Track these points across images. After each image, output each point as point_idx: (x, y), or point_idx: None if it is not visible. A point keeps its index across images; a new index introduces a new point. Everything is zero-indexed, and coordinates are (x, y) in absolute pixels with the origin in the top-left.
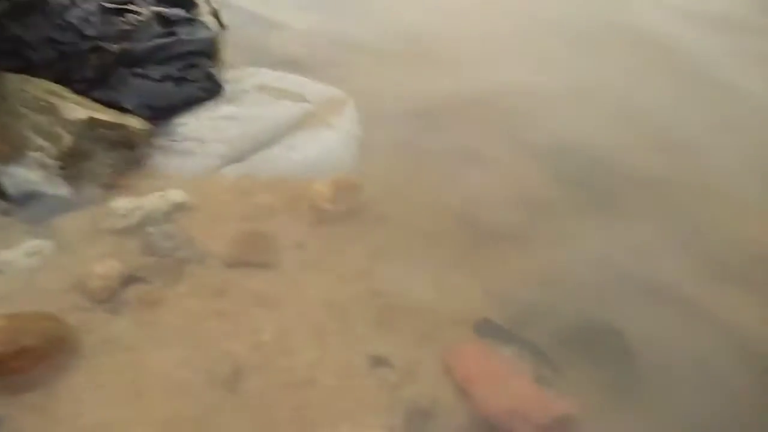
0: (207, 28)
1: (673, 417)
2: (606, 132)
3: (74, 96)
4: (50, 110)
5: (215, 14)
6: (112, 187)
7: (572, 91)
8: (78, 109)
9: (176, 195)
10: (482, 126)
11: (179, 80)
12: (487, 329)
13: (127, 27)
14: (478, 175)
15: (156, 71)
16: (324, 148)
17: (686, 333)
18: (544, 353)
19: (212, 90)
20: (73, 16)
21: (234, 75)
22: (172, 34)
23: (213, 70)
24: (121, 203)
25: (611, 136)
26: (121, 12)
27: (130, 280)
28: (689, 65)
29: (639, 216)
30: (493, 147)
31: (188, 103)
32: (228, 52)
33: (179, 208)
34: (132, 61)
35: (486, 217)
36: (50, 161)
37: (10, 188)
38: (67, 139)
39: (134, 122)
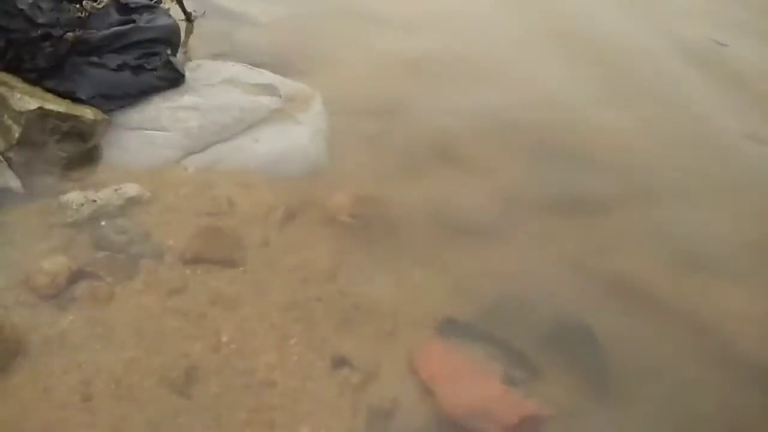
0: (168, 15)
1: (645, 417)
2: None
3: (25, 86)
4: None
5: (179, 2)
6: (64, 179)
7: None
8: (28, 99)
9: (131, 187)
10: (451, 118)
11: (137, 69)
12: (450, 329)
13: (83, 14)
14: (448, 171)
15: (113, 60)
16: (290, 142)
17: (658, 330)
18: (515, 352)
19: (172, 79)
20: (23, 2)
21: (198, 65)
22: (131, 21)
23: (173, 59)
24: (73, 196)
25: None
26: None
27: (79, 275)
28: None
29: (610, 210)
30: (464, 141)
31: (146, 93)
32: (193, 42)
33: (135, 201)
34: (87, 49)
35: (456, 213)
36: None
37: None
38: (17, 131)
39: (89, 112)
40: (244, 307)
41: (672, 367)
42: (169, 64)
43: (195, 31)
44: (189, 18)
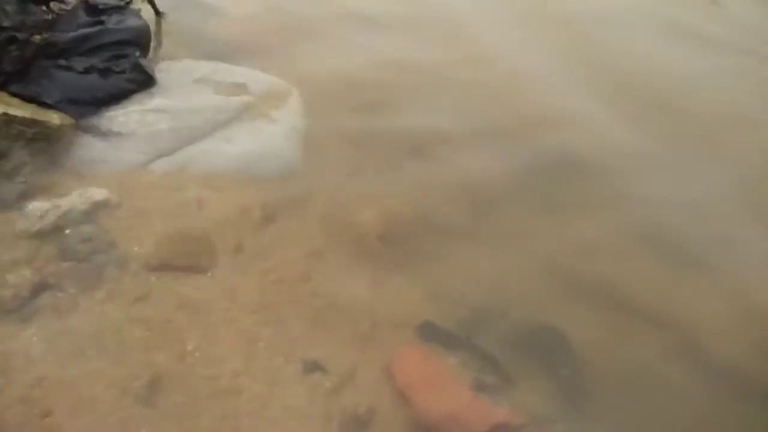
0: (138, 16)
1: (619, 424)
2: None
3: None
4: None
5: (150, 1)
6: (29, 186)
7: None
8: None
9: (97, 193)
10: (431, 115)
11: (105, 72)
12: (429, 333)
13: (50, 16)
14: (427, 170)
15: (80, 62)
16: (264, 142)
17: (632, 332)
18: (488, 358)
19: (142, 81)
20: None
21: (169, 65)
22: (100, 23)
23: (143, 61)
24: (38, 204)
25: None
26: (43, 0)
27: (42, 287)
28: None
29: (589, 211)
30: (442, 138)
31: (115, 96)
32: (165, 40)
33: (101, 207)
34: (55, 52)
35: (433, 215)
36: None
37: None
38: None
39: (55, 117)
40: (212, 312)
41: (647, 371)
42: (138, 67)
43: (169, 27)
44: (158, 12)
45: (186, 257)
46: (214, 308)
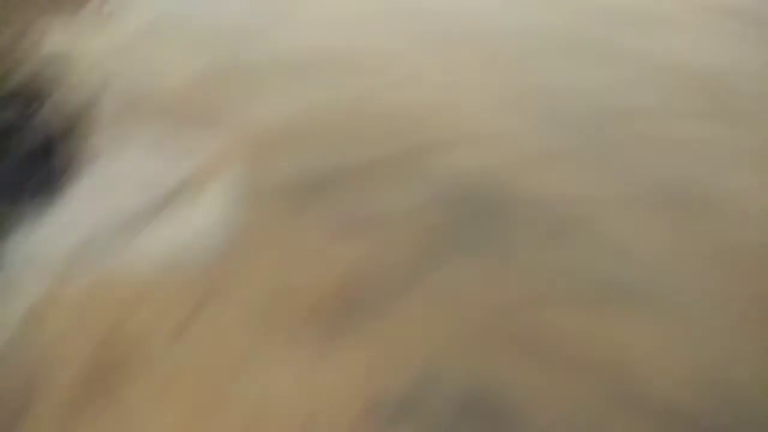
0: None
1: None
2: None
3: None
4: None
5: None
6: None
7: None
8: None
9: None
10: (382, 178)
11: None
12: (373, 414)
13: None
14: (372, 224)
15: None
16: (196, 226)
17: (580, 386)
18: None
19: (51, 181)
20: None
21: (93, 151)
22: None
23: (67, 152)
24: None
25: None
26: None
27: None
28: None
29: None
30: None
31: (35, 191)
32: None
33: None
34: None
35: (366, 279)
36: None
37: None
38: None
39: None
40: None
41: (592, 422)
42: (60, 160)
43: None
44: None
45: (110, 381)
46: (140, 421)
